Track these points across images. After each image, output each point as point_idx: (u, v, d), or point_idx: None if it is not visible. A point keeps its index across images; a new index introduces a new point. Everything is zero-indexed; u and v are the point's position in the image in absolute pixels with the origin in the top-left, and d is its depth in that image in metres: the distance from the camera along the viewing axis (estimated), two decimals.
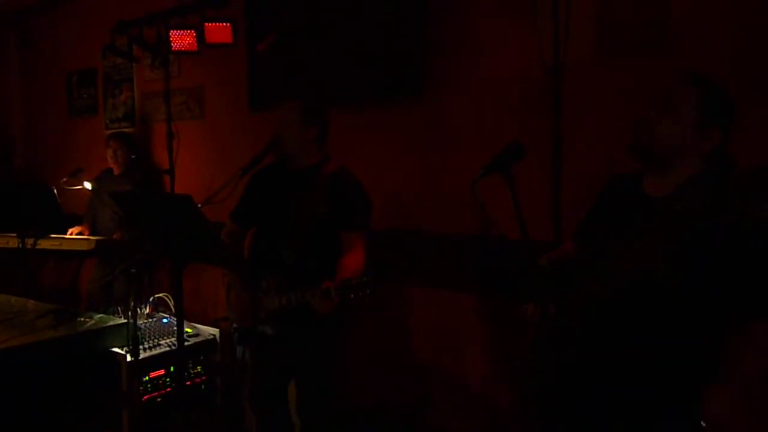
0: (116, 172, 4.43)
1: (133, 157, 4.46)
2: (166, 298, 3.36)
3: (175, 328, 2.81)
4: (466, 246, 3.08)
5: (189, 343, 3.06)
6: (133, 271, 2.50)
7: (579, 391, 1.78)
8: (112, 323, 2.93)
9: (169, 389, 2.97)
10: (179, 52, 3.58)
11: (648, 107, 1.69)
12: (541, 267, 1.90)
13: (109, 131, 4.90)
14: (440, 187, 3.18)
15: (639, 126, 1.70)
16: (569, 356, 1.79)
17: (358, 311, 3.48)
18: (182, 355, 2.63)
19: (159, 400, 2.95)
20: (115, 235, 4.22)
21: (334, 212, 2.41)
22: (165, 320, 3.26)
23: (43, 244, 4.05)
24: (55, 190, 3.68)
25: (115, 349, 2.87)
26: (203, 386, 3.13)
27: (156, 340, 3.04)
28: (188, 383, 3.03)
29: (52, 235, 4.13)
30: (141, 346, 2.85)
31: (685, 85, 1.68)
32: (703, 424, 1.53)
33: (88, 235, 4.35)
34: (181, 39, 3.51)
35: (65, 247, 4.20)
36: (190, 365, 3.06)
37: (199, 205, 2.16)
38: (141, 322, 3.14)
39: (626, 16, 2.59)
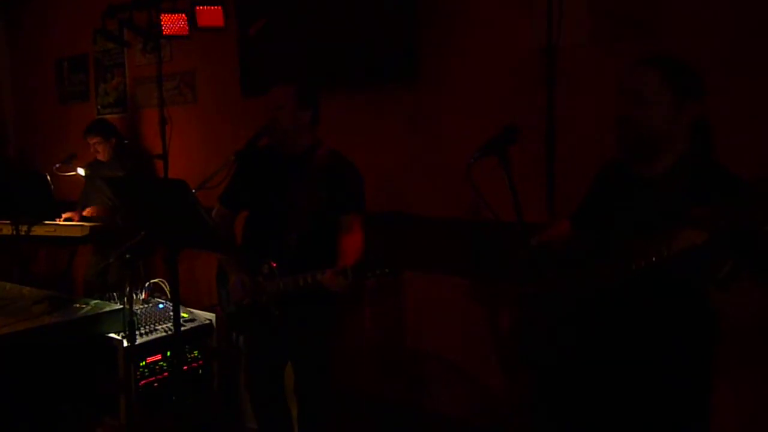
0: (105, 159, 4.41)
1: (125, 141, 4.43)
2: (162, 284, 3.36)
3: (171, 313, 2.81)
4: (459, 229, 3.09)
5: (185, 328, 3.07)
6: (128, 256, 2.48)
7: (583, 373, 1.79)
8: (108, 309, 2.93)
9: (165, 374, 2.99)
10: (170, 36, 3.55)
11: (623, 104, 1.70)
12: (531, 247, 1.90)
13: (101, 117, 4.87)
14: (434, 169, 3.18)
15: (623, 125, 1.71)
16: (572, 338, 1.80)
17: (362, 294, 3.50)
18: (179, 340, 2.63)
19: (156, 385, 2.96)
20: (98, 212, 4.21)
21: (332, 196, 2.41)
22: (161, 305, 3.26)
23: (37, 230, 4.03)
24: (48, 177, 3.65)
25: (112, 335, 2.88)
26: (200, 371, 3.14)
27: (152, 326, 3.05)
28: (185, 368, 3.05)
29: (46, 222, 4.11)
30: (137, 332, 2.86)
31: (647, 73, 1.68)
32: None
33: (77, 221, 4.33)
34: (172, 22, 3.48)
35: (59, 233, 4.18)
36: (187, 350, 3.08)
37: (193, 191, 2.16)
38: (137, 307, 3.15)
39: None
